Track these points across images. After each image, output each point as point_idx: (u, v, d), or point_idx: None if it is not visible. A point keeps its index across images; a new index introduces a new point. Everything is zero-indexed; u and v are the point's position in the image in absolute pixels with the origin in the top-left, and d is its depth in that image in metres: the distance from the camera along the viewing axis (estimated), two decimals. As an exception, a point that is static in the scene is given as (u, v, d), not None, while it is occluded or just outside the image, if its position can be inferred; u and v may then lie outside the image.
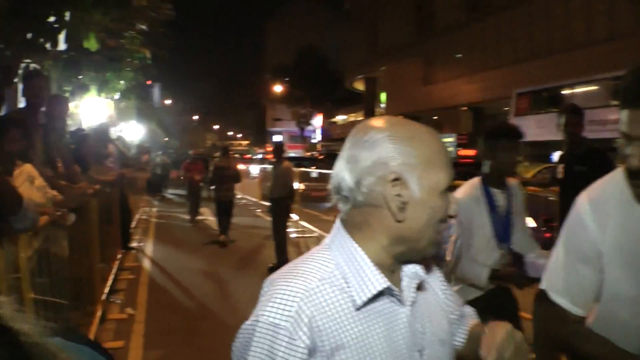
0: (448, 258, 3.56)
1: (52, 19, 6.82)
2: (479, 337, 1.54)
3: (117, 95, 15.98)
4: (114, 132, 14.32)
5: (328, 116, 61.59)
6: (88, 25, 7.57)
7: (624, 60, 11.35)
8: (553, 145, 7.43)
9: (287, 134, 68.35)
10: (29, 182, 4.32)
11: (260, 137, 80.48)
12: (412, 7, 41.85)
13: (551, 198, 7.58)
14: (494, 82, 30.11)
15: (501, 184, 3.76)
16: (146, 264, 10.69)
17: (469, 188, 3.77)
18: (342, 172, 1.38)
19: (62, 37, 7.35)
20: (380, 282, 1.35)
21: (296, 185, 12.76)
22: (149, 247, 12.41)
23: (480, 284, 3.61)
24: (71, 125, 8.91)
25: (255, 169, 34.13)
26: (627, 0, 23.66)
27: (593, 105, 17.15)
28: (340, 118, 60.56)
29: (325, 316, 1.31)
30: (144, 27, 14.83)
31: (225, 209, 13.40)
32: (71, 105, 8.48)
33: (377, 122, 1.41)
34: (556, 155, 6.41)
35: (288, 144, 50.59)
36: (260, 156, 54.00)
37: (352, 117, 55.44)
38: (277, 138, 59.43)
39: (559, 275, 2.07)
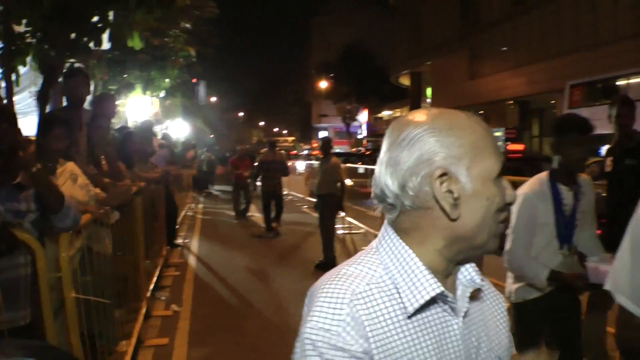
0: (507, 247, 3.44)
1: (95, 18, 6.88)
2: None
3: (162, 94, 16.19)
4: (159, 130, 14.49)
5: (374, 112, 61.30)
6: (132, 25, 7.63)
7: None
8: (602, 139, 7.17)
9: (332, 129, 68.26)
10: (71, 180, 4.32)
11: (305, 133, 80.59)
12: (456, 1, 41.37)
13: (600, 192, 7.32)
14: (539, 75, 29.49)
15: (570, 180, 3.57)
16: (191, 260, 10.74)
17: (535, 183, 3.59)
18: (383, 177, 1.27)
19: (105, 36, 7.42)
20: (433, 287, 1.23)
21: (347, 181, 12.70)
22: (194, 244, 12.48)
23: (539, 285, 3.47)
24: (116, 123, 8.99)
25: (301, 165, 34.10)
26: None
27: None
28: (386, 113, 60.15)
29: (374, 322, 1.19)
30: (188, 25, 15.00)
31: (275, 201, 13.51)
32: (117, 103, 8.56)
33: (411, 117, 1.29)
34: (604, 149, 6.17)
35: (334, 140, 50.50)
36: (305, 152, 54.01)
37: (397, 113, 55.05)
38: (323, 134, 59.49)
39: (624, 277, 1.94)
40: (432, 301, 1.24)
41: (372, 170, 1.35)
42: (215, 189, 28.59)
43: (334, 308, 1.19)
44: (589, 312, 4.76)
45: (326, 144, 10.86)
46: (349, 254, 10.93)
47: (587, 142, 3.45)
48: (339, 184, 10.31)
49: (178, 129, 24.39)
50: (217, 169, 29.35)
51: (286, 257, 11.17)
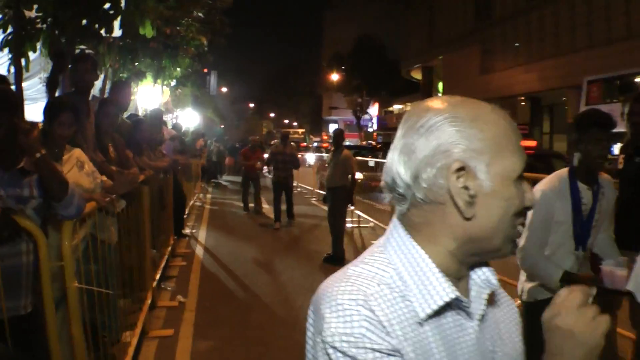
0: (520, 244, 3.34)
1: (107, 5, 6.81)
2: None
3: (173, 83, 16.15)
4: (169, 119, 14.45)
5: (384, 105, 61.17)
6: (143, 12, 7.56)
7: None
8: (617, 137, 7.07)
9: (343, 122, 68.17)
10: (77, 167, 4.25)
11: (316, 125, 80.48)
12: (471, -5, 41.19)
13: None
14: (551, 71, 29.30)
15: (591, 179, 3.45)
16: (199, 251, 10.70)
17: (554, 180, 3.47)
18: (395, 165, 1.16)
19: (117, 23, 7.35)
20: (447, 291, 1.13)
21: (358, 174, 12.63)
22: (202, 234, 12.44)
23: (551, 286, 3.36)
24: (126, 111, 8.94)
25: (311, 158, 34.01)
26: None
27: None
28: (396, 107, 59.95)
29: (391, 324, 1.09)
30: (200, 14, 14.93)
31: (285, 192, 13.52)
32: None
33: (433, 103, 1.18)
34: (617, 147, 6.06)
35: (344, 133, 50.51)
36: (316, 144, 53.93)
37: (408, 106, 54.88)
38: (333, 126, 59.39)
39: None
40: (446, 305, 1.14)
41: (383, 164, 1.25)
42: (224, 179, 28.59)
43: (350, 310, 1.08)
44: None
45: (338, 136, 10.69)
46: (357, 247, 10.89)
47: (607, 138, 3.33)
48: (349, 177, 10.19)
49: (188, 119, 24.38)
50: (226, 160, 29.39)
51: (294, 250, 11.12)
